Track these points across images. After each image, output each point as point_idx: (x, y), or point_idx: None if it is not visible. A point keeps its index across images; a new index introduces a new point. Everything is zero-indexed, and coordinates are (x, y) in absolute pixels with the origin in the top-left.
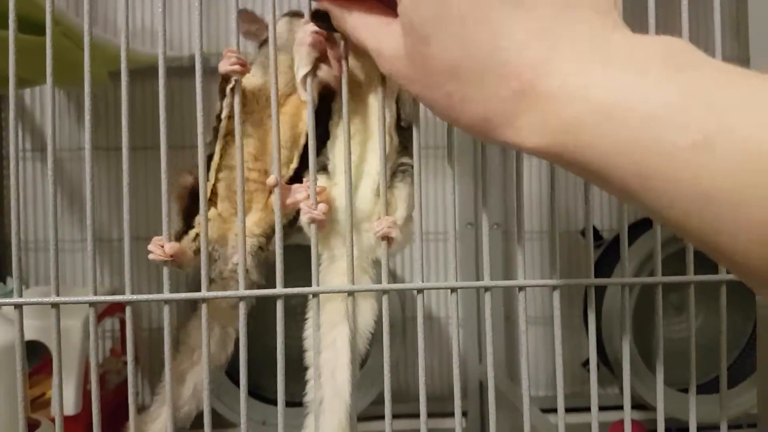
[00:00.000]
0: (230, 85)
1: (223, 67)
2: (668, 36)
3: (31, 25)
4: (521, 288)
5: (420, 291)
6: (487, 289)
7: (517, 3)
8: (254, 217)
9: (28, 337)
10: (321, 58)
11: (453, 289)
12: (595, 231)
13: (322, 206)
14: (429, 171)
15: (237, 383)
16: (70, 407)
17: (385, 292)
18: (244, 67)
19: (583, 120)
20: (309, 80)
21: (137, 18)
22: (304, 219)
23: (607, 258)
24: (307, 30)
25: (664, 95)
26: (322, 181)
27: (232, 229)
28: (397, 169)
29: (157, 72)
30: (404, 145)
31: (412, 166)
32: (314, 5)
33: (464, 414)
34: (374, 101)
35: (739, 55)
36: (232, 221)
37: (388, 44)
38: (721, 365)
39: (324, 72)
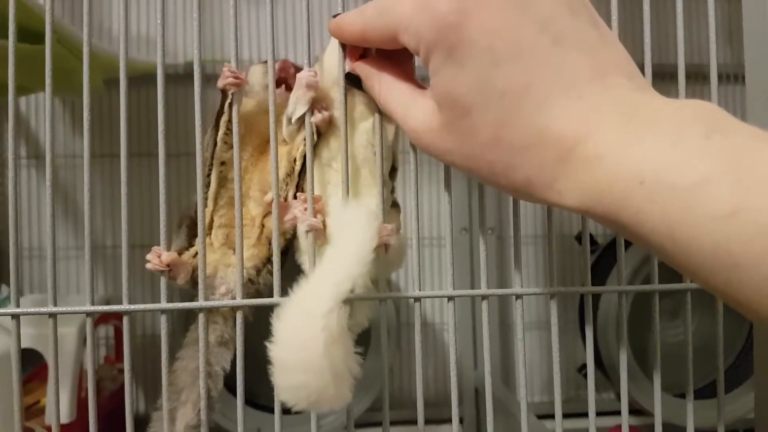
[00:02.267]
0: (228, 100)
1: (220, 83)
2: (699, 100)
3: (27, 34)
4: (518, 296)
5: (417, 299)
6: (484, 297)
7: (556, 73)
8: (246, 252)
9: (22, 344)
10: (317, 102)
11: (450, 298)
12: (590, 237)
13: (319, 216)
14: (423, 175)
15: (232, 391)
16: (64, 415)
17: (382, 300)
18: (240, 80)
19: (618, 185)
20: (307, 117)
21: (132, 26)
22: (301, 228)
23: (603, 263)
24: (304, 73)
25: (696, 166)
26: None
27: (222, 260)
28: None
29: (152, 80)
30: (394, 185)
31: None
32: (346, 68)
33: (460, 420)
34: (363, 152)
35: (733, 61)
36: (222, 252)
37: (416, 118)
38: (718, 370)
39: (317, 118)
